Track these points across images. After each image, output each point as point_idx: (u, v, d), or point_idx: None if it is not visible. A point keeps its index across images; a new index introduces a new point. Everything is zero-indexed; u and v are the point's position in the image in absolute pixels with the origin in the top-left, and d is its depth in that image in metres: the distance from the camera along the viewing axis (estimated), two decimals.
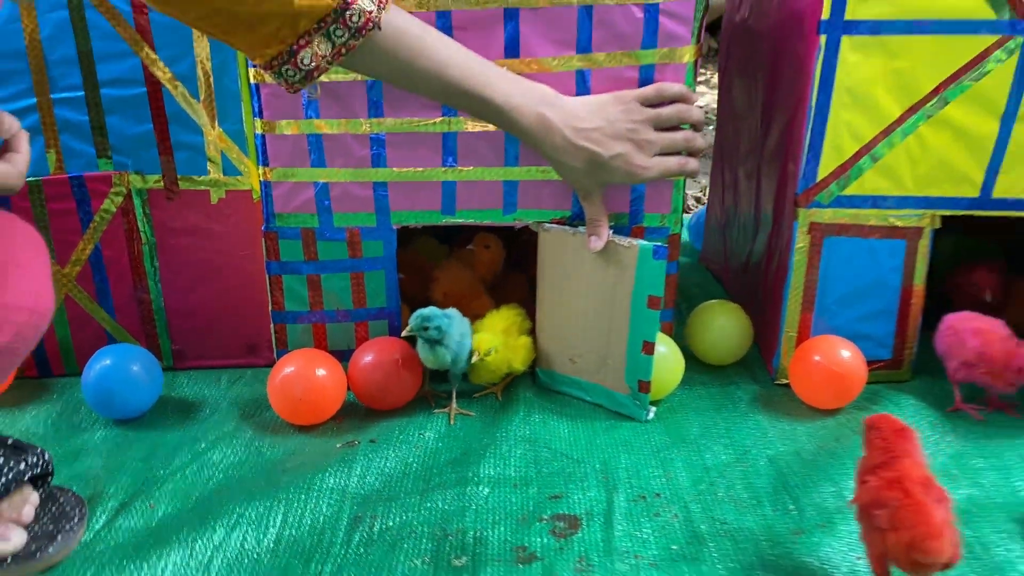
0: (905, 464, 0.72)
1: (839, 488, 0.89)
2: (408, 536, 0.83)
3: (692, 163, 0.99)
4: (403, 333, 0.99)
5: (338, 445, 0.98)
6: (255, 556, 0.80)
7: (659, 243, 0.96)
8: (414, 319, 0.98)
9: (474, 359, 1.01)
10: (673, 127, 0.97)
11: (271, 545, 0.82)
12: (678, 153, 0.98)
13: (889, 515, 0.70)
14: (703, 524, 0.85)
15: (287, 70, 0.84)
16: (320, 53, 0.83)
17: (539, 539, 0.82)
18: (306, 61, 0.84)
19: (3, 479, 0.79)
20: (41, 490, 0.85)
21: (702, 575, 0.78)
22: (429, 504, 0.88)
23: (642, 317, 0.99)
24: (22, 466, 0.81)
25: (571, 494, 0.89)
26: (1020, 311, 1.11)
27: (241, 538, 0.83)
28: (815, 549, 0.81)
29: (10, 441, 0.84)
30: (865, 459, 0.76)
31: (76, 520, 0.83)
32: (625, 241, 0.98)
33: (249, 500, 0.88)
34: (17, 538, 0.79)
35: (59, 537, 0.81)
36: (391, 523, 0.85)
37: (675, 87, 0.97)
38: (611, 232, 0.99)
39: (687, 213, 1.92)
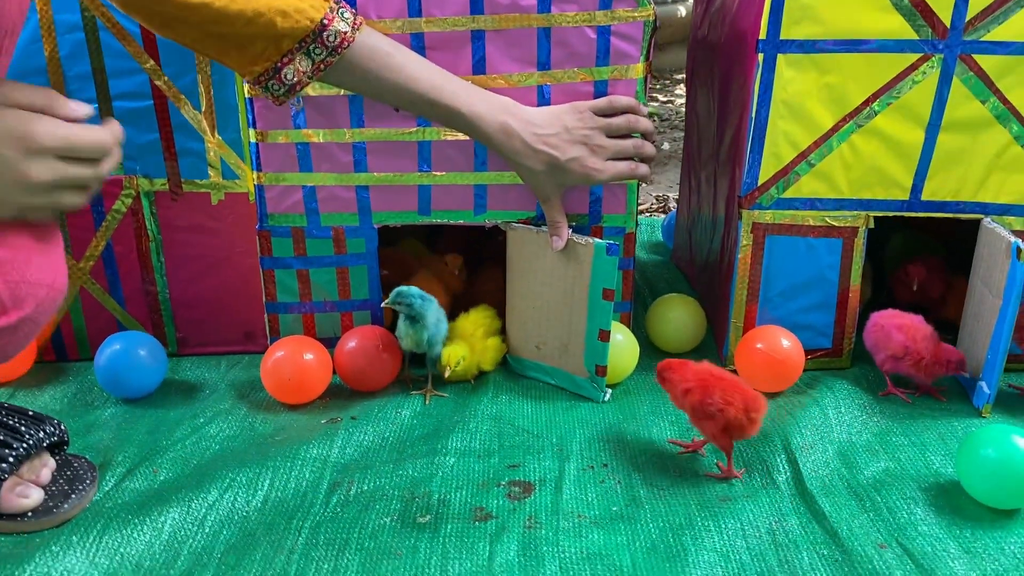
0: (703, 369, 0.98)
1: (766, 463, 0.99)
2: (380, 498, 0.94)
3: (643, 168, 1.09)
4: (383, 303, 1.10)
5: (323, 421, 1.09)
6: (244, 514, 0.91)
7: (612, 241, 1.06)
8: (393, 292, 1.09)
9: (446, 373, 1.10)
10: (624, 136, 1.08)
11: (259, 505, 0.93)
12: (630, 159, 1.08)
13: (719, 396, 0.94)
14: (642, 489, 0.95)
15: (273, 85, 0.96)
16: (301, 69, 0.95)
17: (496, 501, 0.93)
18: (289, 76, 0.95)
19: (25, 444, 0.90)
20: (58, 456, 0.96)
21: (636, 532, 0.88)
22: (401, 472, 0.98)
23: (597, 308, 1.09)
24: (41, 434, 0.92)
25: (528, 464, 0.99)
26: (957, 307, 1.20)
27: (233, 498, 0.93)
28: (738, 514, 0.91)
29: (31, 413, 0.95)
30: (674, 389, 0.99)
31: (88, 482, 0.94)
32: (582, 239, 1.08)
33: (241, 467, 0.98)
34: (36, 496, 0.90)
35: (73, 496, 0.92)
36: (365, 487, 0.95)
37: (625, 99, 1.07)
38: (571, 231, 1.10)
39: (665, 213, 2.02)
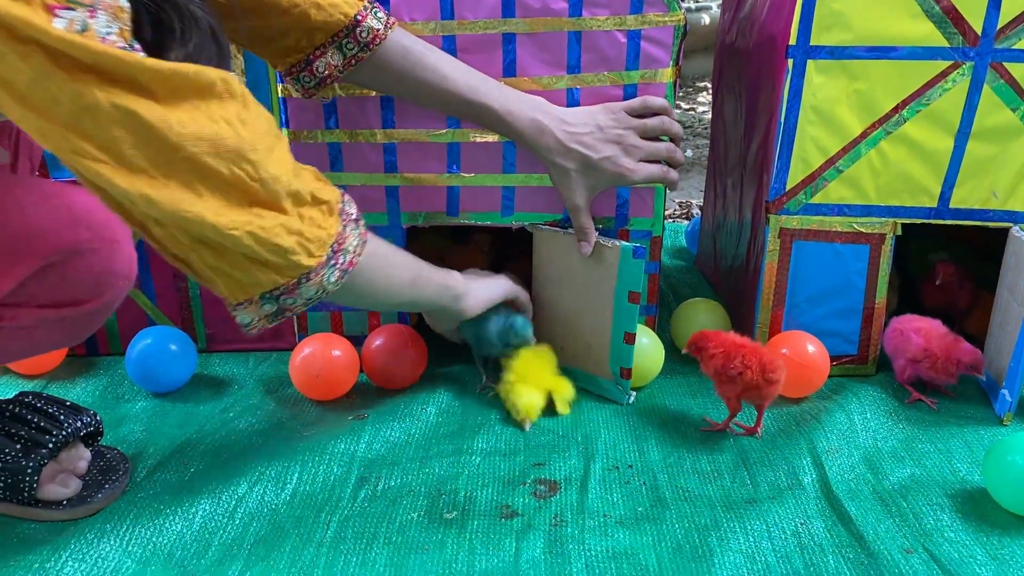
0: (728, 339, 1.05)
1: (792, 466, 0.99)
2: (407, 494, 0.95)
3: (673, 174, 1.09)
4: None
5: (350, 418, 1.10)
6: (273, 507, 0.92)
7: (638, 244, 1.07)
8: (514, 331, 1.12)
9: (527, 427, 1.06)
10: (657, 138, 1.08)
11: (287, 498, 0.94)
12: (661, 162, 1.08)
13: (740, 360, 1.01)
14: (667, 491, 0.95)
15: (304, 76, 0.98)
16: (332, 63, 0.97)
17: (521, 499, 0.93)
18: (320, 69, 0.97)
19: (63, 432, 0.91)
20: (92, 447, 0.98)
21: (661, 532, 0.89)
22: (427, 469, 0.99)
23: (623, 310, 1.09)
24: (78, 423, 0.94)
25: (553, 463, 1.00)
26: (982, 321, 1.19)
27: (262, 492, 0.95)
28: (764, 515, 0.91)
29: (68, 403, 0.97)
30: (708, 360, 1.05)
31: (121, 473, 0.96)
32: (609, 242, 1.08)
33: (270, 461, 1.00)
34: (74, 485, 0.92)
35: (106, 486, 0.93)
36: (392, 483, 0.96)
37: (659, 101, 1.08)
38: (598, 234, 1.10)
39: (688, 219, 2.02)
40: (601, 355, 1.13)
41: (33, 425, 0.91)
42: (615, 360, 1.12)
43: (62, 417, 0.93)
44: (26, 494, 0.89)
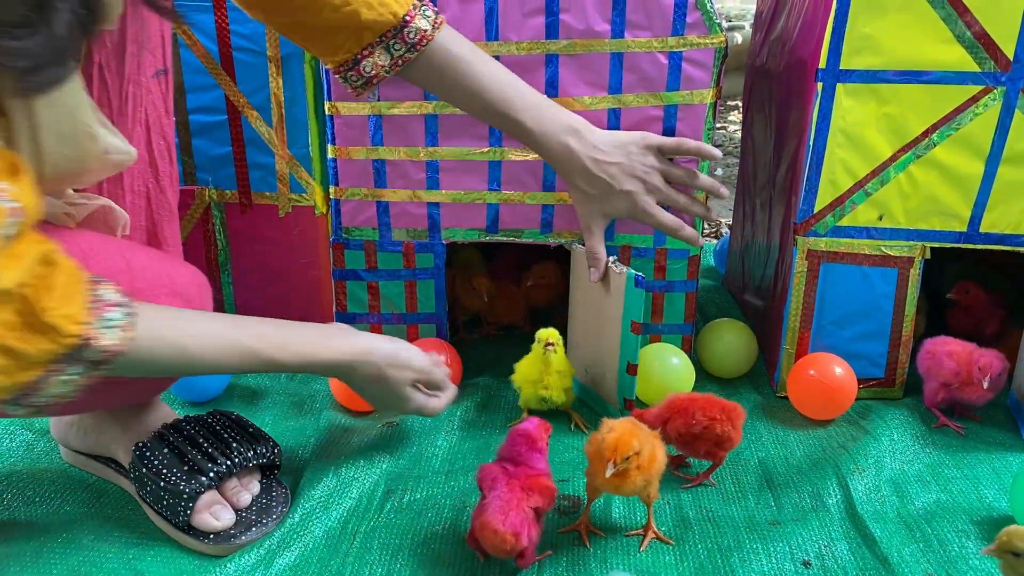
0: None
1: (816, 488, 0.99)
2: (432, 507, 0.96)
3: (687, 231, 1.08)
4: None
5: (380, 425, 1.12)
6: (300, 517, 0.93)
7: (639, 273, 1.04)
8: None
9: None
10: (681, 188, 1.08)
11: (314, 509, 0.95)
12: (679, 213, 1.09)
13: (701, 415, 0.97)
14: (691, 511, 0.96)
15: (351, 76, 0.99)
16: (380, 64, 0.97)
17: (545, 515, 0.94)
18: (367, 69, 0.97)
19: (229, 462, 0.91)
20: (267, 479, 0.98)
21: (684, 553, 0.89)
22: (452, 482, 1.00)
23: (627, 340, 1.07)
24: (250, 453, 0.94)
25: (577, 479, 1.01)
26: (1010, 349, 1.16)
27: (289, 501, 0.96)
28: (788, 537, 0.91)
29: (251, 429, 0.98)
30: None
31: (274, 518, 0.92)
32: (619, 268, 1.07)
33: (298, 472, 1.01)
34: (227, 519, 0.90)
35: (253, 529, 0.90)
36: (418, 496, 0.98)
37: (693, 143, 1.07)
38: (612, 259, 1.09)
39: (717, 238, 2.03)
40: (611, 383, 1.13)
41: (202, 449, 0.92)
42: (620, 390, 1.11)
43: (235, 444, 0.93)
44: (180, 518, 0.89)
